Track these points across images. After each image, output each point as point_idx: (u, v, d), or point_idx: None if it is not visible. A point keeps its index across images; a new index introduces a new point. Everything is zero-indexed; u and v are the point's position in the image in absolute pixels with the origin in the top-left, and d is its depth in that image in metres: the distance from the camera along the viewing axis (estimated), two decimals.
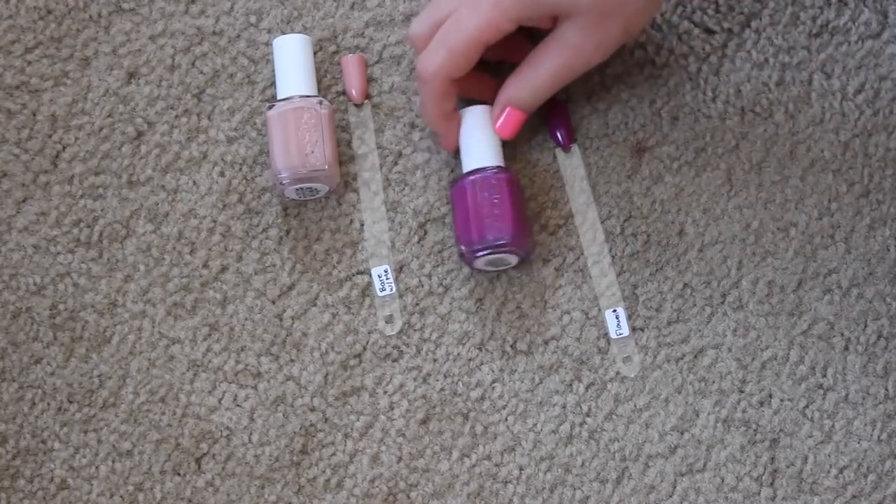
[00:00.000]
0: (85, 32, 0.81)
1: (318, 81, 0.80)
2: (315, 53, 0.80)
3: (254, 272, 0.79)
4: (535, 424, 0.78)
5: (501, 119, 0.77)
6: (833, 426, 0.78)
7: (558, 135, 0.80)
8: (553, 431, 0.78)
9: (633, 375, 0.78)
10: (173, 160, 0.80)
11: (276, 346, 0.78)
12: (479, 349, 0.79)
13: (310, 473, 0.77)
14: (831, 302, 0.79)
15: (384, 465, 0.78)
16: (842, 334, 0.79)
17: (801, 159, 0.80)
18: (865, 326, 0.79)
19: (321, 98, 0.78)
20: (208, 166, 0.80)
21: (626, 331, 0.78)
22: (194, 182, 0.80)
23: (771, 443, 0.78)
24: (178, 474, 0.77)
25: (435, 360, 0.79)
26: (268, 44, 0.81)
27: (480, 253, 0.76)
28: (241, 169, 0.80)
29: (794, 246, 0.80)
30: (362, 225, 0.80)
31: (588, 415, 0.78)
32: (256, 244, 0.79)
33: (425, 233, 0.80)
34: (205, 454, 0.77)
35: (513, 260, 0.77)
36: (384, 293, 0.79)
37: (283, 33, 0.81)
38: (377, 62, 0.81)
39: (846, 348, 0.79)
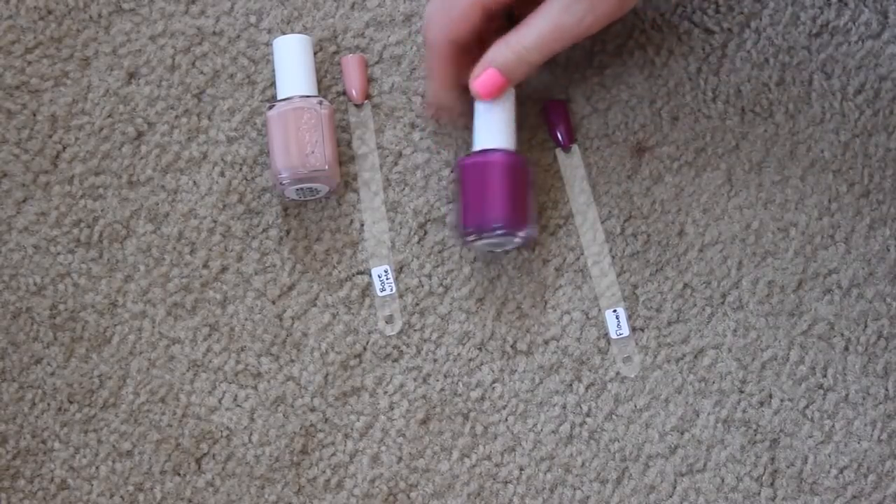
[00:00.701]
0: (85, 32, 0.81)
1: (319, 81, 0.80)
2: (315, 53, 0.80)
3: (254, 272, 0.79)
4: (535, 424, 0.78)
5: (479, 78, 0.75)
6: (833, 426, 0.78)
7: (558, 135, 0.80)
8: (553, 431, 0.78)
9: (633, 375, 0.78)
10: (173, 160, 0.80)
11: (276, 346, 0.78)
12: (480, 349, 0.79)
13: (310, 473, 0.77)
14: (831, 302, 0.79)
15: (384, 465, 0.78)
16: (842, 334, 0.79)
17: (801, 159, 0.80)
18: (865, 326, 0.79)
19: (321, 98, 0.78)
20: (208, 166, 0.80)
21: (626, 331, 0.78)
22: (194, 182, 0.80)
23: (771, 443, 0.78)
24: (179, 474, 0.77)
25: (435, 361, 0.79)
26: (268, 44, 0.81)
27: (471, 238, 0.76)
28: (241, 169, 0.80)
29: (794, 246, 0.80)
30: (362, 225, 0.80)
31: (588, 415, 0.78)
32: (256, 244, 0.79)
33: (425, 233, 0.80)
34: (205, 454, 0.77)
35: (515, 242, 0.77)
36: (384, 293, 0.79)
37: (284, 33, 0.81)
38: (377, 62, 0.81)
39: (846, 348, 0.79)
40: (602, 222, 0.80)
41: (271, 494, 0.77)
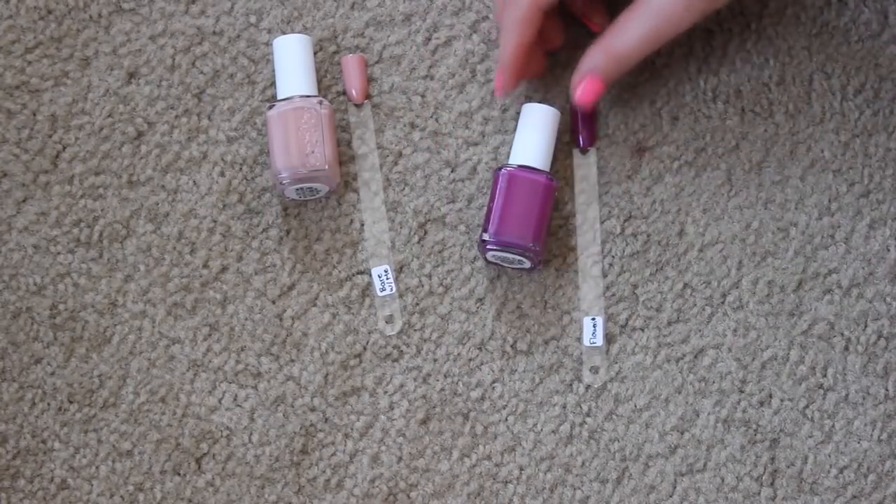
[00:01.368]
0: (85, 32, 0.81)
1: (318, 81, 0.80)
2: (315, 53, 0.80)
3: (254, 272, 0.79)
4: (535, 424, 0.78)
5: (580, 88, 0.75)
6: (833, 426, 0.78)
7: (580, 137, 0.80)
8: (553, 431, 0.78)
9: (597, 386, 0.78)
10: (173, 160, 0.80)
11: (276, 346, 0.78)
12: (480, 349, 0.79)
13: (310, 473, 0.77)
14: (831, 302, 0.79)
15: (384, 465, 0.78)
16: (842, 334, 0.79)
17: (801, 159, 0.81)
18: (865, 326, 0.79)
19: (321, 98, 0.78)
20: (208, 166, 0.80)
21: (599, 341, 0.78)
22: (194, 182, 0.80)
23: (771, 443, 0.78)
24: (179, 474, 0.77)
25: (435, 360, 0.79)
26: (268, 44, 0.81)
27: (493, 246, 0.76)
28: (241, 169, 0.80)
29: (794, 246, 0.80)
30: (362, 225, 0.80)
31: (588, 415, 0.78)
32: (256, 244, 0.79)
33: (425, 233, 0.80)
34: (205, 454, 0.77)
35: (525, 264, 0.77)
36: (384, 293, 0.79)
37: (284, 33, 0.81)
38: (377, 62, 0.81)
39: (846, 348, 0.79)
40: (602, 222, 0.80)
41: (271, 494, 0.77)
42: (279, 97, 0.78)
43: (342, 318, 0.79)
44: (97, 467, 0.77)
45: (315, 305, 0.79)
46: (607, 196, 0.80)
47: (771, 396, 0.78)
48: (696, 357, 0.79)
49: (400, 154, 0.80)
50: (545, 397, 0.78)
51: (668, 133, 0.81)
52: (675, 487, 0.78)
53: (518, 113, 0.79)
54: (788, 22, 0.82)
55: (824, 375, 0.78)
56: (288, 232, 0.79)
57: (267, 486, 0.77)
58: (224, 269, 0.79)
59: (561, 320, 0.79)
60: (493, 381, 0.78)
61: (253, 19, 0.81)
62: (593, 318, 0.78)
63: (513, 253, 0.76)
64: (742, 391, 0.78)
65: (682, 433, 0.78)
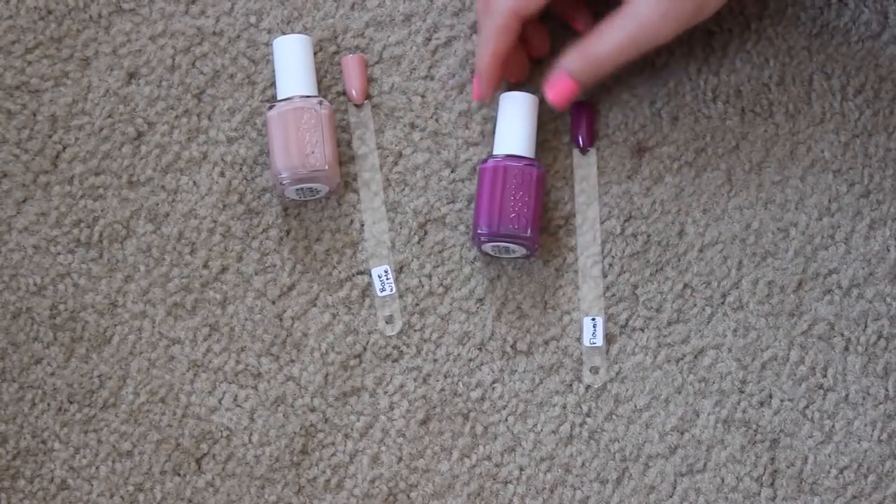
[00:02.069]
0: (85, 33, 0.81)
1: (318, 82, 0.80)
2: (315, 54, 0.80)
3: (254, 272, 0.79)
4: (535, 425, 0.78)
5: (553, 85, 0.76)
6: (833, 426, 0.78)
7: (579, 137, 0.80)
8: (553, 432, 0.78)
9: (597, 386, 0.78)
10: (173, 160, 0.80)
11: (276, 346, 0.78)
12: (480, 349, 0.79)
13: (310, 474, 0.77)
14: (831, 302, 0.79)
15: (384, 465, 0.78)
16: (842, 335, 0.79)
17: (801, 159, 0.81)
18: (865, 327, 0.79)
19: (321, 98, 0.78)
20: (208, 166, 0.80)
21: (599, 341, 0.78)
22: (194, 182, 0.80)
23: (771, 443, 0.78)
24: (179, 475, 0.77)
25: (435, 361, 0.79)
26: (268, 44, 0.81)
27: (488, 238, 0.76)
28: (241, 169, 0.80)
29: (794, 246, 0.80)
30: (362, 225, 0.80)
31: (588, 415, 0.78)
32: (257, 244, 0.79)
33: (425, 233, 0.80)
34: (205, 454, 0.77)
35: (519, 252, 0.77)
36: (384, 293, 0.79)
37: (284, 33, 0.81)
38: (377, 62, 0.81)
39: (846, 349, 0.79)
40: (602, 222, 0.80)
41: (271, 494, 0.77)
42: (279, 97, 0.78)
43: (342, 319, 0.79)
44: (97, 467, 0.77)
45: (315, 306, 0.79)
46: (607, 196, 0.80)
47: (771, 397, 0.78)
48: (696, 357, 0.79)
49: (400, 154, 0.80)
50: (545, 397, 0.78)
51: (668, 133, 0.81)
52: (675, 488, 0.78)
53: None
54: (788, 22, 0.82)
55: (824, 376, 0.78)
56: (288, 232, 0.79)
57: (267, 487, 0.77)
58: (224, 269, 0.79)
59: (561, 320, 0.79)
60: (493, 382, 0.78)
61: (253, 19, 0.81)
62: (593, 319, 0.78)
63: (508, 242, 0.76)
64: (742, 391, 0.78)
65: (682, 433, 0.78)
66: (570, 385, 0.78)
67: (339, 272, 0.79)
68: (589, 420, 0.78)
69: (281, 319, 0.79)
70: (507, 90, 0.79)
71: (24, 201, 0.79)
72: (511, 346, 0.79)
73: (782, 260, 0.79)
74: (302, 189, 0.78)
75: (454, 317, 0.79)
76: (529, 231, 0.76)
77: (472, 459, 0.78)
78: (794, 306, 0.79)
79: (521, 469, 0.78)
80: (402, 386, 0.78)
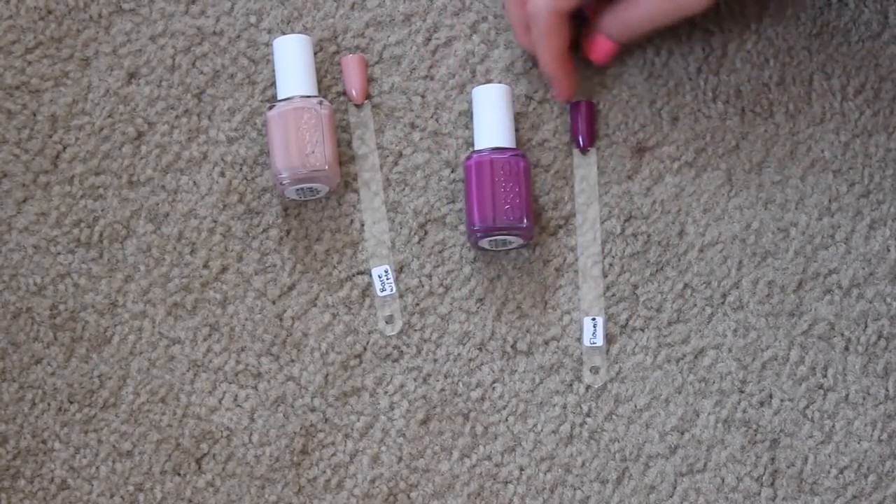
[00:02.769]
0: (85, 33, 0.81)
1: (319, 81, 0.80)
2: (315, 53, 0.80)
3: (254, 272, 0.79)
4: (535, 425, 0.78)
5: (594, 47, 0.78)
6: (833, 426, 0.78)
7: (579, 137, 0.80)
8: (553, 432, 0.78)
9: (596, 386, 0.78)
10: (173, 160, 0.80)
11: (276, 346, 0.78)
12: (480, 349, 0.79)
13: (310, 474, 0.77)
14: (831, 302, 0.79)
15: (384, 465, 0.78)
16: (842, 335, 0.79)
17: (801, 159, 0.81)
18: (866, 327, 0.79)
19: (321, 98, 0.78)
20: (208, 166, 0.80)
21: (600, 341, 0.78)
22: (194, 182, 0.80)
23: (771, 443, 0.78)
24: (179, 474, 0.77)
25: (435, 361, 0.79)
26: (268, 44, 0.81)
27: (486, 233, 0.76)
28: (241, 169, 0.80)
29: (794, 246, 0.80)
30: (362, 225, 0.80)
31: (588, 415, 0.78)
32: (257, 244, 0.79)
33: (425, 233, 0.80)
34: (205, 454, 0.77)
35: (516, 242, 0.77)
36: (384, 293, 0.79)
37: (284, 33, 0.81)
38: (377, 62, 0.81)
39: (846, 349, 0.79)
40: (602, 222, 0.80)
41: (271, 494, 0.77)
42: (279, 97, 0.78)
43: (342, 319, 0.79)
44: (97, 467, 0.77)
45: (315, 306, 0.79)
46: (607, 196, 0.80)
47: (771, 397, 0.78)
48: (696, 357, 0.79)
49: (400, 154, 0.80)
50: (545, 397, 0.78)
51: (668, 133, 0.81)
52: (675, 488, 0.78)
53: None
54: (788, 22, 0.82)
55: (824, 376, 0.78)
56: (288, 232, 0.79)
57: (267, 487, 0.77)
58: (224, 269, 0.79)
59: (561, 320, 0.79)
60: (494, 382, 0.78)
61: (253, 19, 0.81)
62: (593, 319, 0.78)
63: (506, 235, 0.76)
64: (742, 391, 0.78)
65: (682, 433, 0.78)
66: (571, 385, 0.78)
67: (340, 272, 0.79)
68: (589, 420, 0.78)
69: (281, 319, 0.79)
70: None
71: (24, 201, 0.79)
72: (511, 346, 0.79)
73: (782, 260, 0.79)
74: (302, 189, 0.78)
75: (454, 317, 0.79)
76: (525, 221, 0.76)
77: (472, 459, 0.78)
78: (794, 306, 0.79)
79: (522, 469, 0.78)
80: (402, 386, 0.78)
